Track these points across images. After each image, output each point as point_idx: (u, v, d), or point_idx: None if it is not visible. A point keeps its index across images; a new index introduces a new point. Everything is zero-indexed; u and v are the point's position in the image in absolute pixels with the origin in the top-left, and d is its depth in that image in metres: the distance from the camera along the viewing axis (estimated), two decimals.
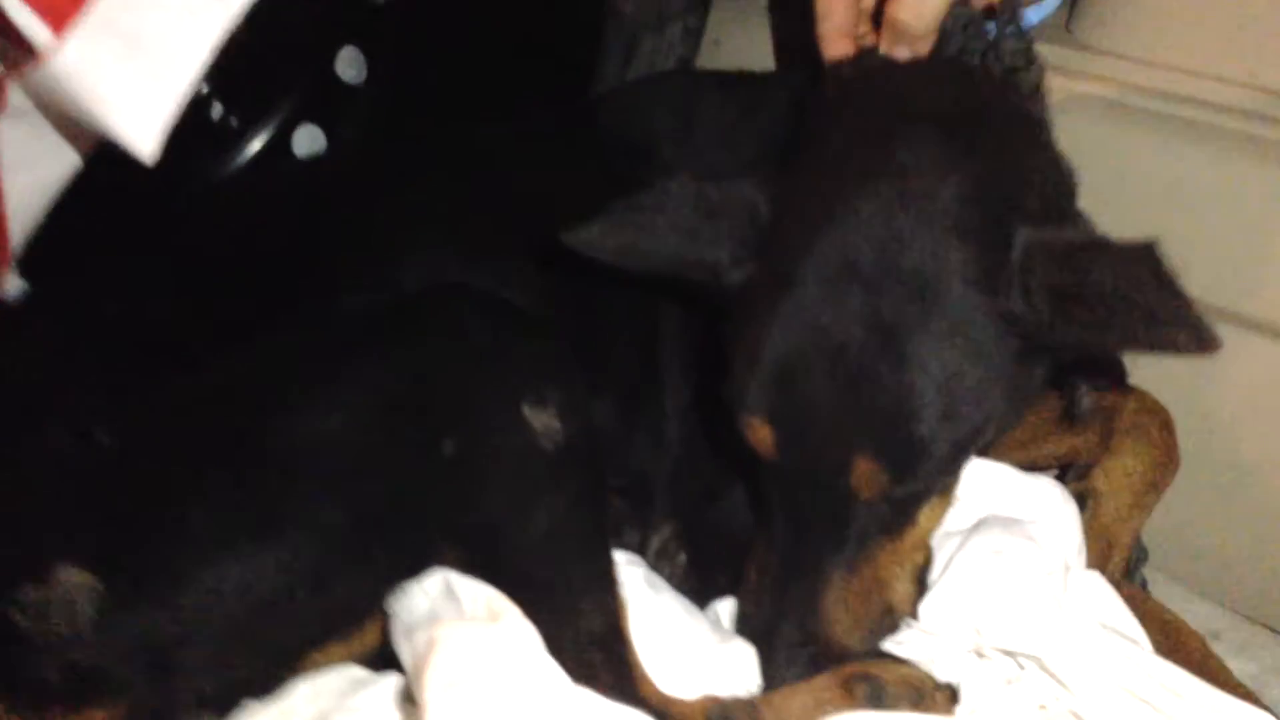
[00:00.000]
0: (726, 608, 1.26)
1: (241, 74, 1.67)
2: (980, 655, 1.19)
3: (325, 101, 1.78)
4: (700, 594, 1.30)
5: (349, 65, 1.81)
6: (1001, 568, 1.20)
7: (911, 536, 1.20)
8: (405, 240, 1.37)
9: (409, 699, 1.07)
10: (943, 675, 1.19)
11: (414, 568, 1.12)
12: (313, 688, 1.08)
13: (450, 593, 1.10)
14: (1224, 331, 1.41)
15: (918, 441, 1.07)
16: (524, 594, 1.08)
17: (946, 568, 1.22)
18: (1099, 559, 1.35)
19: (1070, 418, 1.39)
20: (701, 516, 1.37)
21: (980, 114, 1.18)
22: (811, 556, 1.16)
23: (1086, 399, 1.37)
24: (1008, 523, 1.26)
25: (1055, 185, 1.21)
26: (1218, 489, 1.48)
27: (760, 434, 1.12)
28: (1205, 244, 1.19)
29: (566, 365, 1.21)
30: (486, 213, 1.42)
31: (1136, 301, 1.01)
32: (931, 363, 1.06)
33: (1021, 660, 1.18)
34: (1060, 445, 1.48)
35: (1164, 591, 1.45)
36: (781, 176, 1.19)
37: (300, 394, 1.14)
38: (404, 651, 1.07)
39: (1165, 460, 1.41)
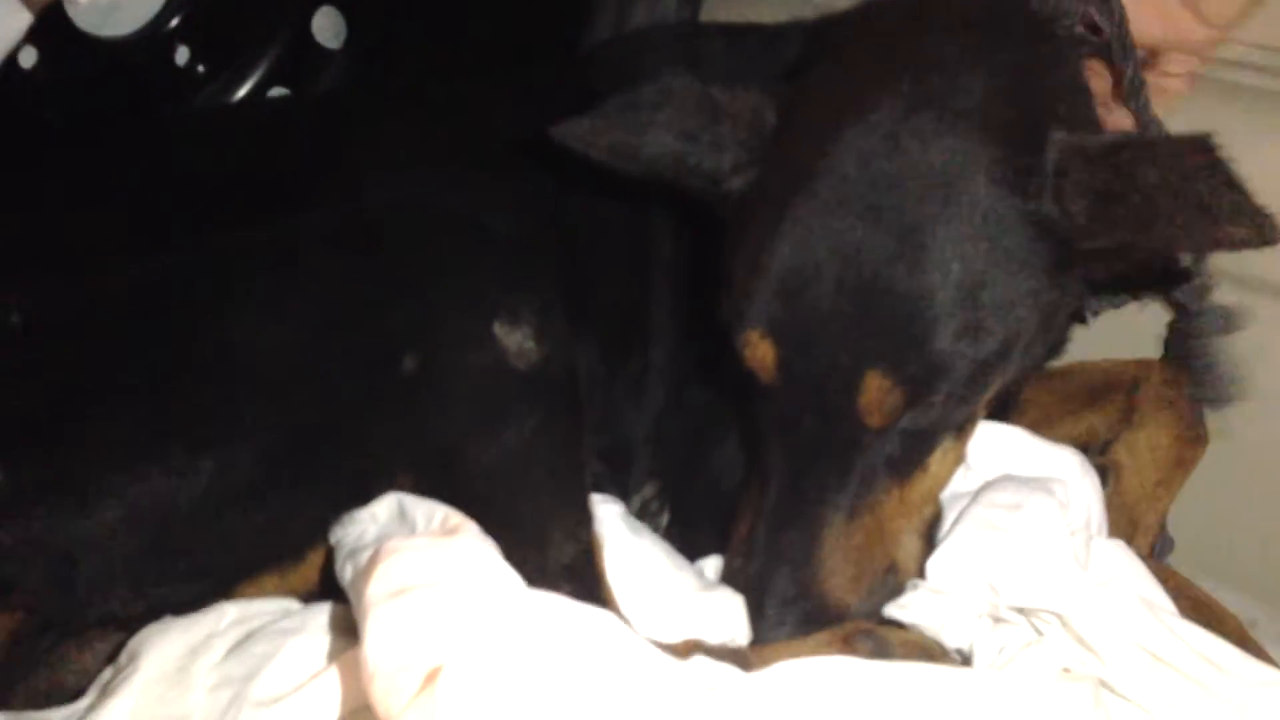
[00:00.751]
0: (712, 565, 1.13)
1: (212, 23, 1.60)
2: (996, 620, 1.06)
3: (299, 65, 1.70)
4: (684, 556, 1.16)
5: (327, 27, 1.73)
6: (1019, 522, 1.08)
7: (921, 485, 1.08)
8: (378, 165, 1.26)
9: (349, 629, 0.94)
10: (953, 641, 1.06)
11: (363, 492, 0.99)
12: (241, 611, 0.94)
13: (402, 516, 0.97)
14: (1258, 302, 1.34)
15: (935, 355, 0.96)
16: (487, 520, 0.95)
17: (957, 523, 1.10)
18: (1122, 539, 1.23)
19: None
20: (686, 474, 1.25)
21: (1012, 22, 1.10)
22: (811, 497, 1.04)
23: None
24: (1025, 480, 1.14)
25: (1089, 114, 1.12)
26: (1251, 472, 1.36)
27: (760, 351, 1.01)
28: None
29: (545, 286, 1.11)
30: (467, 149, 1.32)
31: (1188, 194, 0.91)
32: (953, 266, 0.95)
33: (1041, 623, 1.05)
34: (1077, 425, 1.38)
35: None
36: (792, 88, 1.10)
37: (244, 294, 1.04)
38: (346, 573, 0.94)
39: (1193, 435, 1.29)
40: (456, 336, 1.04)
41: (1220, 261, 1.24)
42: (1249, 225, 0.90)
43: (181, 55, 1.58)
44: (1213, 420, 1.31)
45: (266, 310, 1.02)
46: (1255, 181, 0.95)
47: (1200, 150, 0.93)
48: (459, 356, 1.04)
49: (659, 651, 0.79)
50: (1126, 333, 1.39)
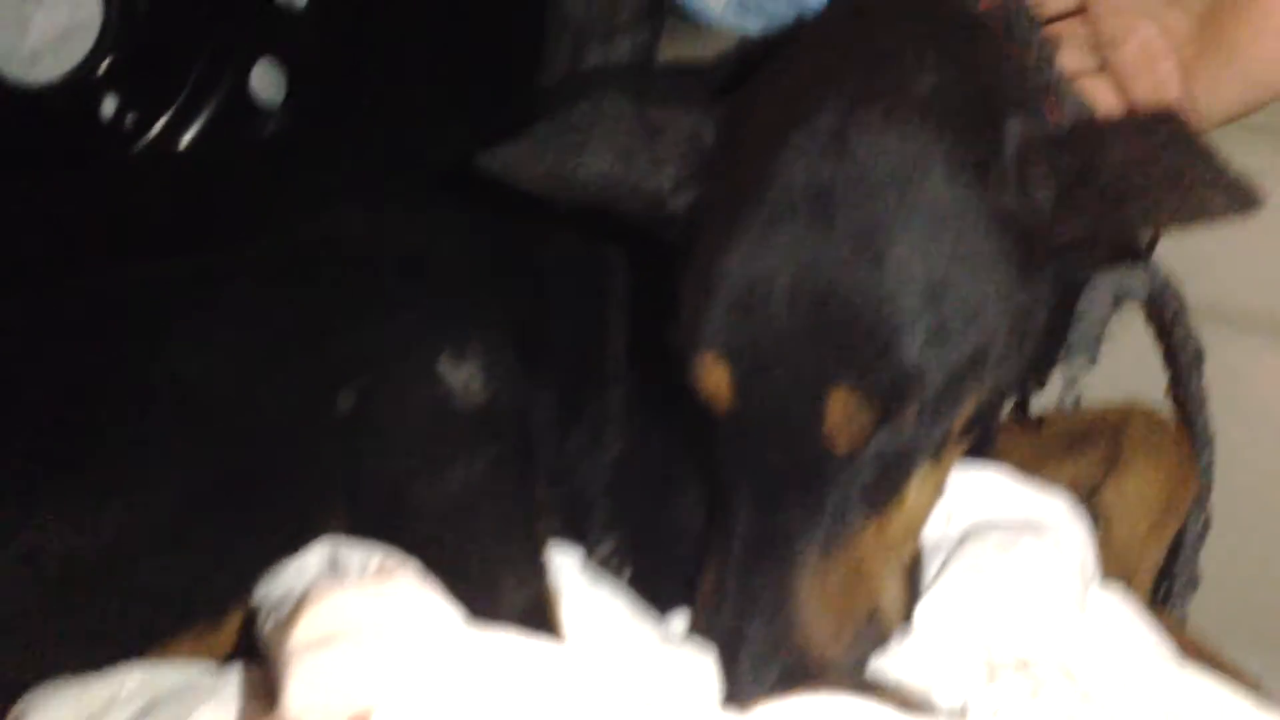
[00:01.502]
0: (678, 621, 1.04)
1: (143, 72, 1.54)
2: (993, 674, 0.97)
3: (236, 121, 1.63)
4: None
5: (266, 83, 1.67)
6: (1012, 564, 1.00)
7: (900, 518, 0.99)
8: (322, 203, 1.19)
9: (270, 693, 0.83)
10: (945, 700, 0.97)
11: (294, 540, 0.90)
12: (146, 675, 0.84)
13: (335, 564, 0.88)
14: (1254, 344, 1.28)
15: (902, 364, 0.88)
16: (432, 566, 0.87)
17: (944, 567, 1.01)
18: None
19: None
20: (648, 526, 1.16)
21: (952, 14, 1.05)
22: (781, 536, 0.94)
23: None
24: (1014, 522, 1.06)
25: (1044, 97, 1.06)
26: (1256, 528, 1.29)
27: (715, 376, 0.93)
28: (1230, 241, 1.04)
29: (493, 323, 1.03)
30: (413, 187, 1.25)
31: (1158, 165, 0.86)
32: (914, 268, 0.88)
33: (1041, 675, 0.96)
34: (1060, 473, 1.30)
35: None
36: (732, 99, 1.04)
37: (164, 322, 0.96)
38: (268, 627, 0.84)
39: (1182, 477, 1.23)
40: (398, 372, 0.97)
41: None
42: (1225, 192, 0.85)
43: (109, 105, 1.51)
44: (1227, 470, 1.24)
45: (188, 340, 0.94)
46: None
47: (1165, 121, 0.88)
48: (401, 393, 0.96)
49: (626, 687, 0.70)
50: (1105, 378, 1.33)
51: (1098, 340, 1.14)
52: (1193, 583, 1.20)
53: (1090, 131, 0.91)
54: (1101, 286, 1.11)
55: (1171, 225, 0.97)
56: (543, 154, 0.99)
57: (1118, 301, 1.15)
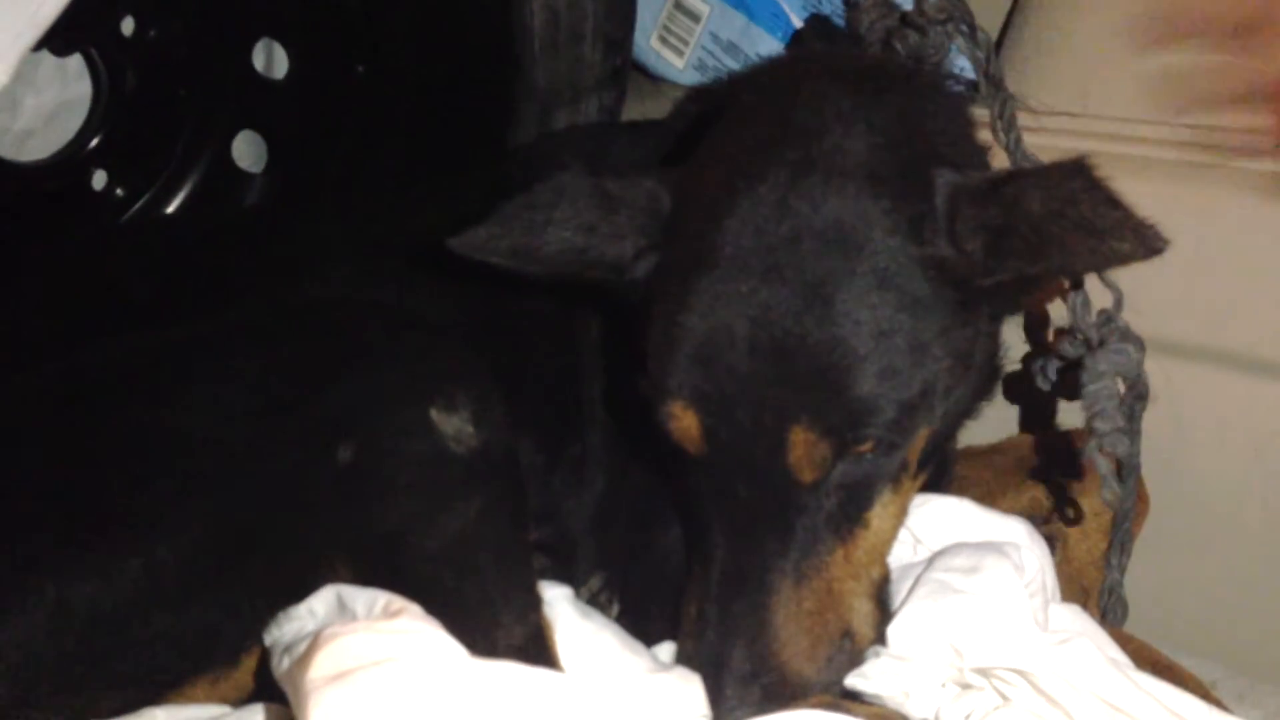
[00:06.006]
0: (666, 651, 1.09)
1: (130, 147, 1.59)
2: (962, 686, 1.03)
3: (220, 189, 1.69)
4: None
5: (248, 152, 1.73)
6: (978, 583, 1.06)
7: (865, 542, 1.06)
8: (310, 267, 1.25)
9: None
10: (918, 712, 1.02)
11: (300, 587, 0.95)
12: (169, 715, 0.89)
13: (342, 607, 0.93)
14: (1188, 369, 1.35)
15: (856, 401, 0.96)
16: (433, 605, 0.92)
17: (914, 588, 1.08)
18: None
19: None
20: (633, 561, 1.22)
21: (879, 72, 1.12)
22: (756, 565, 1.01)
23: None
24: (978, 545, 1.12)
25: (972, 146, 1.13)
26: (1204, 536, 1.36)
27: (684, 422, 1.00)
28: (1158, 275, 1.10)
29: (480, 374, 1.09)
30: (396, 250, 1.31)
31: (1072, 216, 0.94)
32: (862, 314, 0.96)
33: (1006, 686, 1.02)
34: (1020, 499, 1.37)
35: None
36: (682, 169, 1.11)
37: (170, 386, 1.01)
38: (284, 666, 0.89)
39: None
40: (394, 424, 1.02)
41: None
42: (1132, 238, 0.92)
43: (99, 179, 1.57)
44: (1157, 487, 1.31)
45: (193, 402, 0.99)
46: None
47: (1078, 173, 0.95)
48: (397, 443, 1.01)
49: (621, 713, 0.75)
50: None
51: (1134, 435, 1.12)
52: (1120, 599, 1.26)
53: (1010, 182, 0.98)
54: (1104, 377, 1.11)
55: (1089, 270, 1.05)
56: (510, 233, 1.06)
57: (1131, 389, 1.15)
